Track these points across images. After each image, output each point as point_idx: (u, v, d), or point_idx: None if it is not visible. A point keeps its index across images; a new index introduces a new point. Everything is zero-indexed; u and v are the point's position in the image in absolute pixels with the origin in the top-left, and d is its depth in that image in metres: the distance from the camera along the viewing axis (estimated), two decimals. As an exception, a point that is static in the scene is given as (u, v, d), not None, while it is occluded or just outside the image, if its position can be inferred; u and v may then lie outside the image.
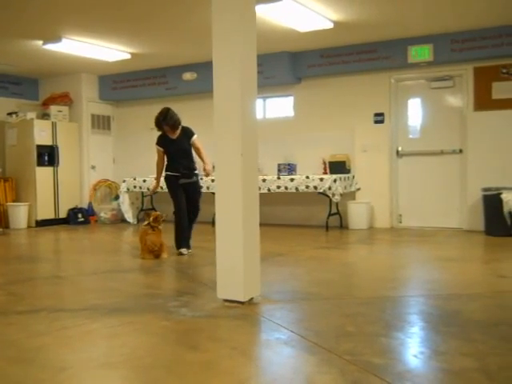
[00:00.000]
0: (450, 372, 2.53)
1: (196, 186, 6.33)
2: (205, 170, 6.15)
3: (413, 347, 2.96)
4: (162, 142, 6.20)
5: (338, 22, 7.09)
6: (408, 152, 8.45)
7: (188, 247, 6.20)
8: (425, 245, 6.84)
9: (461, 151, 8.04)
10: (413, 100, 8.47)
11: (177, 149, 6.16)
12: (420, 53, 7.92)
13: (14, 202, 9.63)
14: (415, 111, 8.45)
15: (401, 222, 8.56)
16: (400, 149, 8.49)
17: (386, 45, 8.15)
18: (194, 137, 6.21)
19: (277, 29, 7.32)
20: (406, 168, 8.48)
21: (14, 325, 3.46)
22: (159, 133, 6.19)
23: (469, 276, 4.85)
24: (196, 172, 6.30)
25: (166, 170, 6.24)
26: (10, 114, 9.97)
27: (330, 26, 7.17)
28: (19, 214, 9.45)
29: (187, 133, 6.21)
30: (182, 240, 6.15)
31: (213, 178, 8.67)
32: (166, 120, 6.02)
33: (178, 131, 6.16)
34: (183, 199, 6.17)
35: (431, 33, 7.75)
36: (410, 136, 8.50)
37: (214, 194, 3.99)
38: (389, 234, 7.84)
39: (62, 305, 4.07)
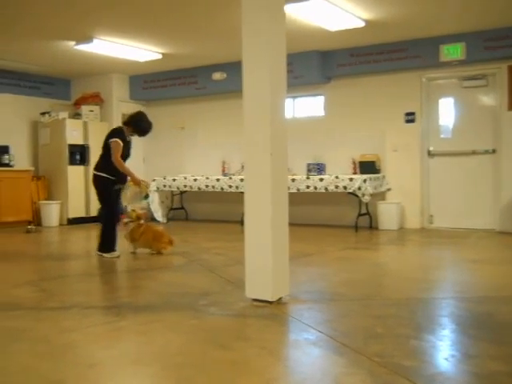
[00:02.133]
0: (480, 376, 2.49)
1: None
2: None
3: (443, 350, 2.91)
4: None
5: (368, 20, 7.02)
6: (439, 152, 8.33)
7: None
8: (456, 246, 6.73)
9: (494, 151, 7.89)
10: (444, 99, 8.33)
11: None
12: (452, 51, 7.78)
13: (46, 200, 9.81)
14: (447, 111, 8.32)
15: (432, 223, 8.45)
16: (431, 149, 8.38)
17: (417, 43, 8.03)
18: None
19: (306, 28, 7.28)
20: (438, 168, 8.36)
21: (46, 321, 3.53)
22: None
23: (500, 278, 4.75)
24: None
25: None
26: (43, 113, 10.16)
27: (362, 24, 7.10)
28: (51, 212, 9.60)
29: None
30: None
31: (242, 177, 8.69)
32: None
33: None
34: None
35: (464, 31, 7.61)
36: (442, 136, 8.37)
37: (243, 193, 4.00)
38: (419, 235, 7.74)
39: (93, 302, 4.12)
